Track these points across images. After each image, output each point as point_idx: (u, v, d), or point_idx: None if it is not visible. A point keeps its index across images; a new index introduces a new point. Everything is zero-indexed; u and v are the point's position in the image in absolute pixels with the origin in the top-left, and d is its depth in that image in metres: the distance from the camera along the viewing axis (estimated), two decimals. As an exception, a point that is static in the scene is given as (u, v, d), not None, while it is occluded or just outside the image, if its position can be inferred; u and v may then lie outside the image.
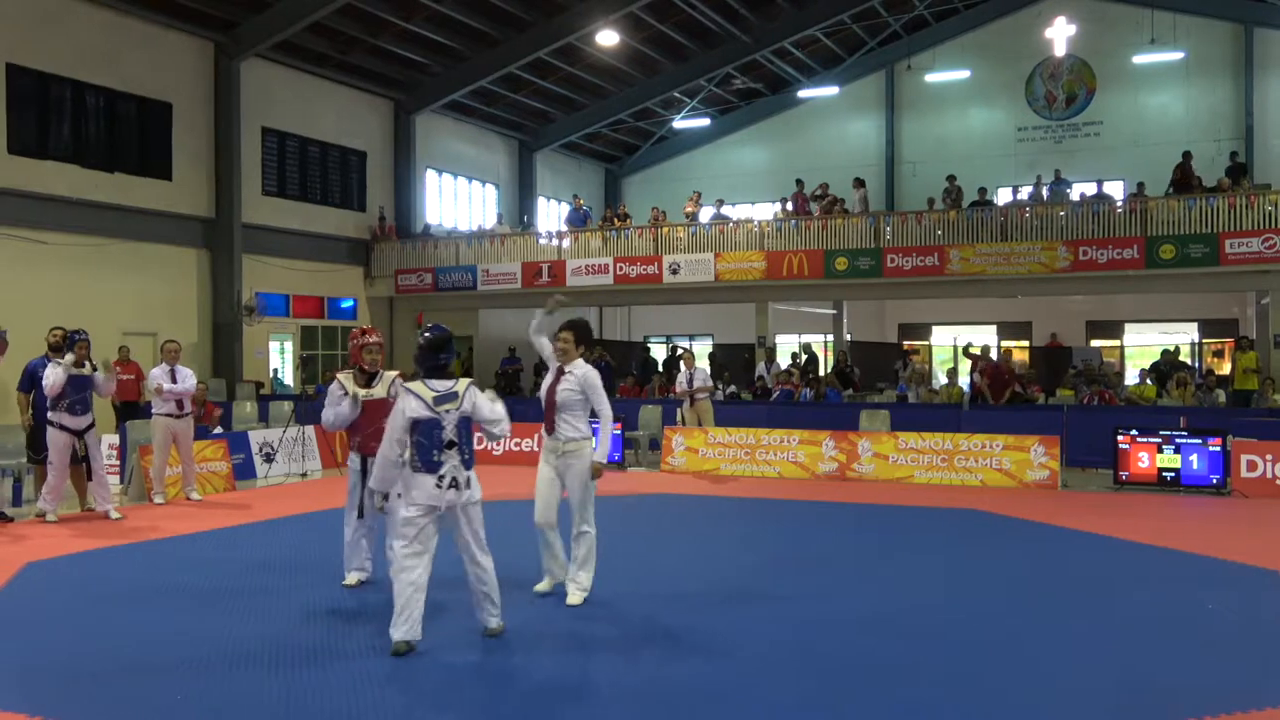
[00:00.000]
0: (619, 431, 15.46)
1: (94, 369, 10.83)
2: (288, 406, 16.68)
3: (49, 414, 10.56)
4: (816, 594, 7.41)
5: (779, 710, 4.97)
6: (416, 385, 6.02)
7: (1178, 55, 25.90)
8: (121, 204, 19.95)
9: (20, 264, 17.98)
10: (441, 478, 5.90)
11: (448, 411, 5.95)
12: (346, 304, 25.67)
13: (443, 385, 6.02)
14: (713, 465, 14.83)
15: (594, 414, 7.15)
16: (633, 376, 24.74)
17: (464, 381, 6.13)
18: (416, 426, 5.93)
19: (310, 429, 15.52)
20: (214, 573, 8.05)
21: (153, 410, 12.14)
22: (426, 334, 6.20)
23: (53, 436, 10.55)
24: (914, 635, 6.26)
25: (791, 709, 5.00)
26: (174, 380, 11.96)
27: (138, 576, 8.04)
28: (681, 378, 15.96)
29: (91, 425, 10.86)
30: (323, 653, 5.87)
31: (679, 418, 15.81)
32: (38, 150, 18.73)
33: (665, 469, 15.09)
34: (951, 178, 23.83)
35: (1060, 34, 26.60)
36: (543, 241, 25.46)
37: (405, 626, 5.81)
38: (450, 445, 5.94)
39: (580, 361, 7.12)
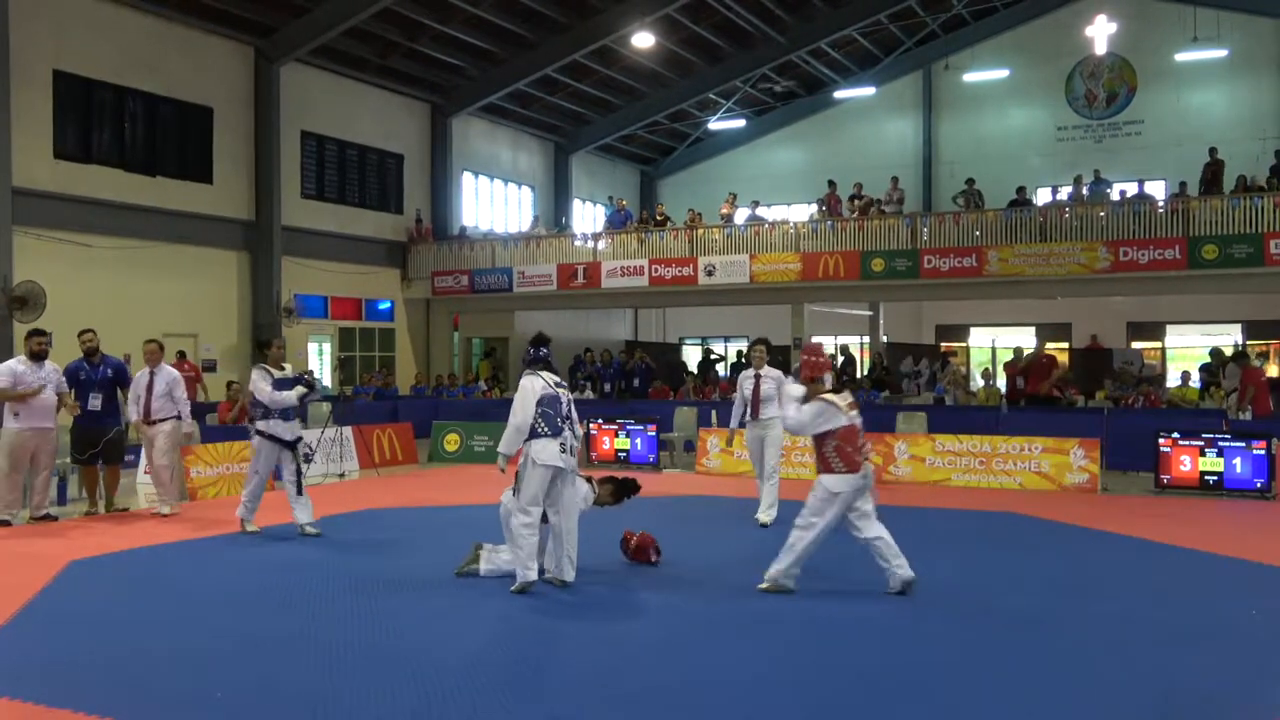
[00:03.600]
0: (653, 433, 15.48)
1: (298, 373, 10.27)
2: (326, 408, 16.84)
3: (258, 423, 9.97)
4: (851, 597, 7.37)
5: (815, 712, 4.95)
6: (541, 372, 7.44)
7: (1221, 53, 25.49)
8: (164, 207, 20.25)
9: (67, 266, 18.29)
10: (563, 444, 7.25)
11: (563, 392, 7.43)
12: (384, 306, 25.89)
13: (555, 376, 7.53)
14: (748, 467, 14.71)
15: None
16: (691, 375, 25.06)
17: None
18: (543, 401, 7.28)
19: (348, 430, 15.62)
20: (254, 570, 8.15)
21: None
22: (535, 335, 7.76)
23: (259, 444, 9.94)
24: (951, 640, 6.22)
25: (827, 710, 4.98)
26: (151, 388, 11.11)
27: (179, 574, 8.15)
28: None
29: (300, 436, 10.30)
30: (360, 650, 5.92)
31: None
32: (82, 155, 19.07)
33: (700, 470, 15.07)
34: (970, 181, 23.65)
35: (1101, 32, 26.29)
36: (578, 243, 25.54)
37: (533, 569, 7.16)
38: (567, 418, 7.35)
39: (767, 366, 10.51)
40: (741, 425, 10.90)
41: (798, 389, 7.34)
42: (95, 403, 11.05)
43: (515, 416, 7.28)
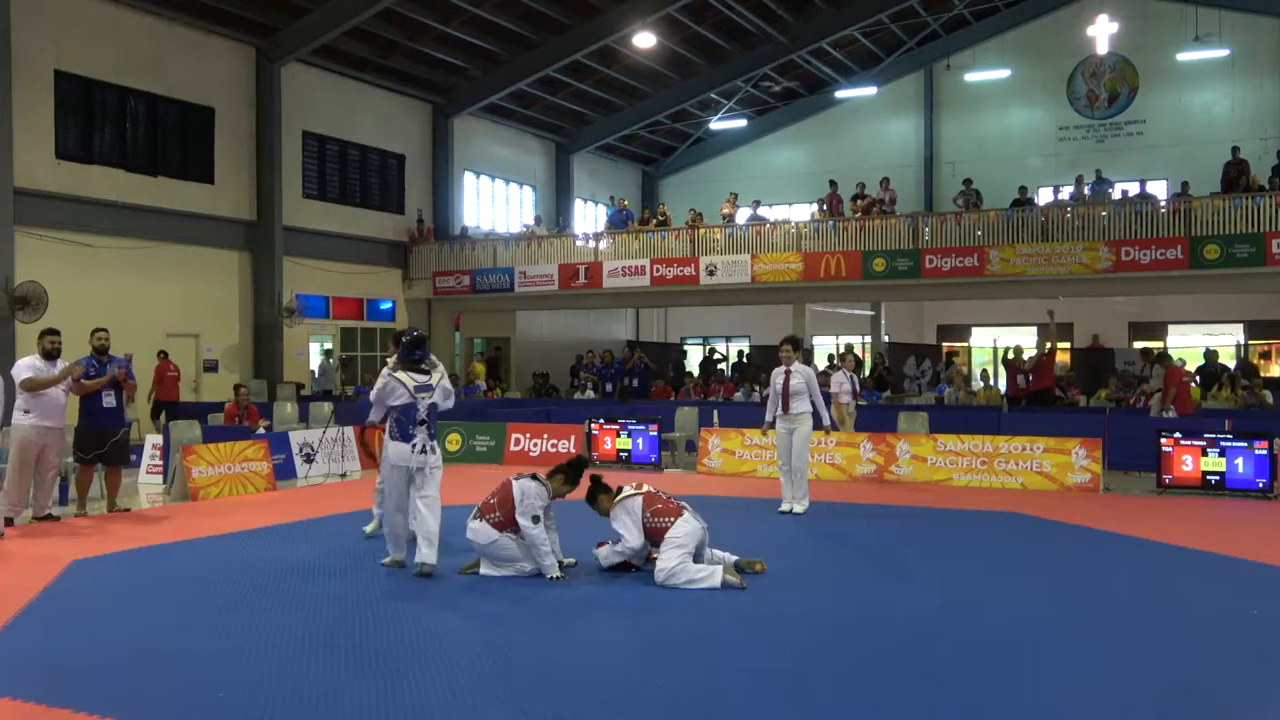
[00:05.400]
0: (655, 433, 15.47)
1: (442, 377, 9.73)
2: (328, 407, 16.84)
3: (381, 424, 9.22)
4: (854, 597, 7.38)
5: (818, 712, 4.95)
6: (403, 375, 7.84)
7: (1223, 52, 25.49)
8: (165, 207, 20.28)
9: (69, 267, 18.31)
10: (414, 445, 7.76)
11: (423, 399, 7.83)
12: (385, 305, 25.90)
13: (420, 378, 7.89)
14: (749, 467, 14.78)
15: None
16: (690, 376, 24.98)
17: (436, 375, 8.03)
18: (398, 408, 7.78)
19: (349, 430, 15.62)
20: (255, 570, 8.14)
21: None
22: (413, 333, 8.19)
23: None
24: (952, 639, 6.21)
25: (830, 711, 4.97)
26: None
27: (181, 574, 8.14)
28: (840, 380, 16.13)
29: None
30: (361, 650, 5.92)
31: (839, 421, 15.32)
32: (84, 155, 19.10)
33: (701, 470, 15.06)
34: (968, 182, 23.64)
35: (1102, 32, 26.25)
36: (580, 243, 25.54)
37: (398, 550, 8.02)
38: (422, 423, 7.81)
39: (798, 363, 11.09)
40: (772, 424, 11.34)
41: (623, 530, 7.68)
42: (108, 399, 11.06)
43: (372, 408, 8.07)
